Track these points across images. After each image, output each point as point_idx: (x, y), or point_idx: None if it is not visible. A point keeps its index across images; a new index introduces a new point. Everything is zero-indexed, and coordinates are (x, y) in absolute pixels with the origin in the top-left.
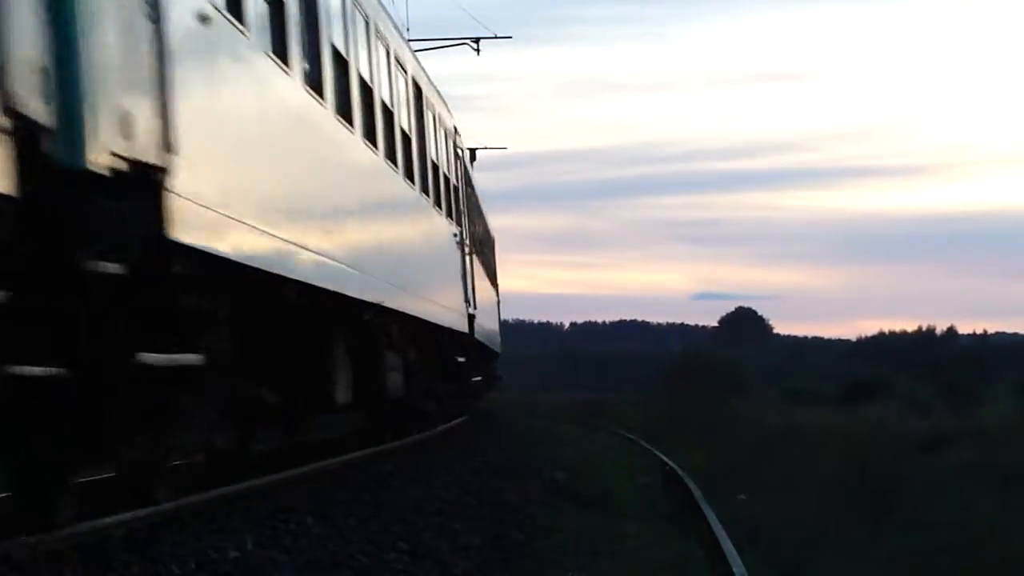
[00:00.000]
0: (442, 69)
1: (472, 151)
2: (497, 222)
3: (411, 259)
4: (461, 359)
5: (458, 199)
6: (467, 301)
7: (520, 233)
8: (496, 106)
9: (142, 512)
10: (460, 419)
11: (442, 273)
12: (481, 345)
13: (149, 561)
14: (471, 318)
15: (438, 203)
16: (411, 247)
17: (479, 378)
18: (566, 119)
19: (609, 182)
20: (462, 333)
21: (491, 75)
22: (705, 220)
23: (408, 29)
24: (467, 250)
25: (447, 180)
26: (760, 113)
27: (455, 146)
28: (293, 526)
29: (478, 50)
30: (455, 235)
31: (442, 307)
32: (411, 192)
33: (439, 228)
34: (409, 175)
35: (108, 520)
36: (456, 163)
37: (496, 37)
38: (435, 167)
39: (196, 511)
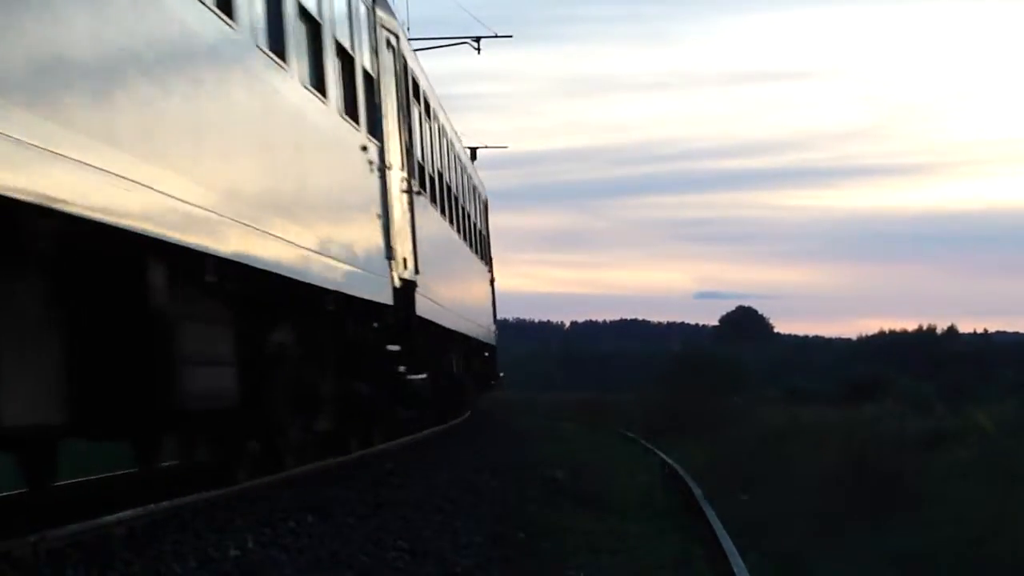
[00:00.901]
0: (443, 68)
1: (473, 150)
2: (497, 221)
3: (225, 154)
4: (394, 348)
5: (374, 98)
6: (391, 258)
7: (521, 232)
8: (497, 105)
9: (142, 510)
10: (461, 418)
11: (327, 202)
12: (435, 329)
13: (150, 560)
14: (407, 286)
15: (319, 86)
16: (232, 135)
17: (421, 376)
18: (567, 118)
19: (610, 181)
20: (384, 307)
21: (492, 74)
22: (706, 219)
23: (408, 28)
24: (405, 186)
25: (347, 59)
26: (761, 112)
27: (374, 21)
28: (293, 525)
29: (479, 49)
30: (363, 148)
31: (326, 255)
32: (230, 33)
33: (322, 127)
34: (225, 6)
35: (109, 518)
36: (377, 44)
37: (497, 36)
38: (313, 25)
39: (196, 510)
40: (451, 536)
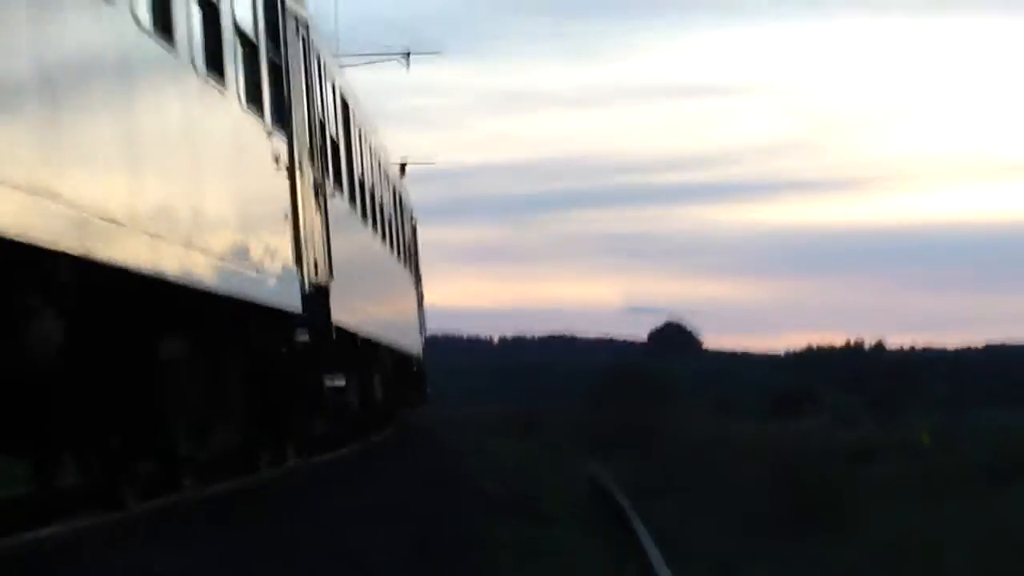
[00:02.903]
0: (372, 84)
1: (402, 165)
2: (426, 235)
3: None
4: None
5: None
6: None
7: (449, 247)
8: (425, 119)
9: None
10: (386, 432)
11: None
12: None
13: None
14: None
15: None
16: None
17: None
18: (495, 132)
19: (538, 195)
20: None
21: (421, 89)
22: (635, 234)
23: (338, 46)
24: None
25: None
26: (689, 127)
27: None
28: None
29: (408, 65)
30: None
31: None
32: None
33: None
34: None
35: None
36: None
37: (425, 52)
38: None
39: (93, 532)
40: (376, 546)
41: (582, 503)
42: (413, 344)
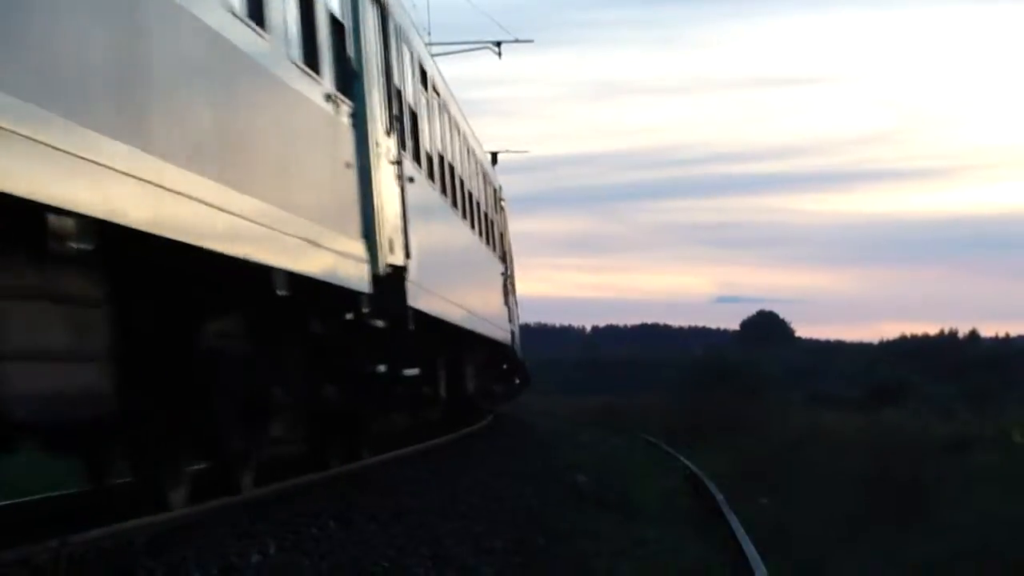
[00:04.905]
0: (464, 73)
1: (494, 154)
2: (518, 226)
3: None
4: None
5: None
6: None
7: (541, 236)
8: (517, 109)
9: (164, 517)
10: (482, 423)
11: None
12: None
13: (171, 567)
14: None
15: None
16: None
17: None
18: (586, 122)
19: (629, 185)
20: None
21: (512, 78)
22: (725, 223)
23: (429, 33)
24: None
25: None
26: (780, 116)
27: None
28: (316, 531)
29: (499, 54)
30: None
31: None
32: None
33: None
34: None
35: (129, 524)
36: None
37: (517, 41)
38: None
39: (219, 516)
40: (473, 542)
41: (676, 497)
42: (501, 331)
